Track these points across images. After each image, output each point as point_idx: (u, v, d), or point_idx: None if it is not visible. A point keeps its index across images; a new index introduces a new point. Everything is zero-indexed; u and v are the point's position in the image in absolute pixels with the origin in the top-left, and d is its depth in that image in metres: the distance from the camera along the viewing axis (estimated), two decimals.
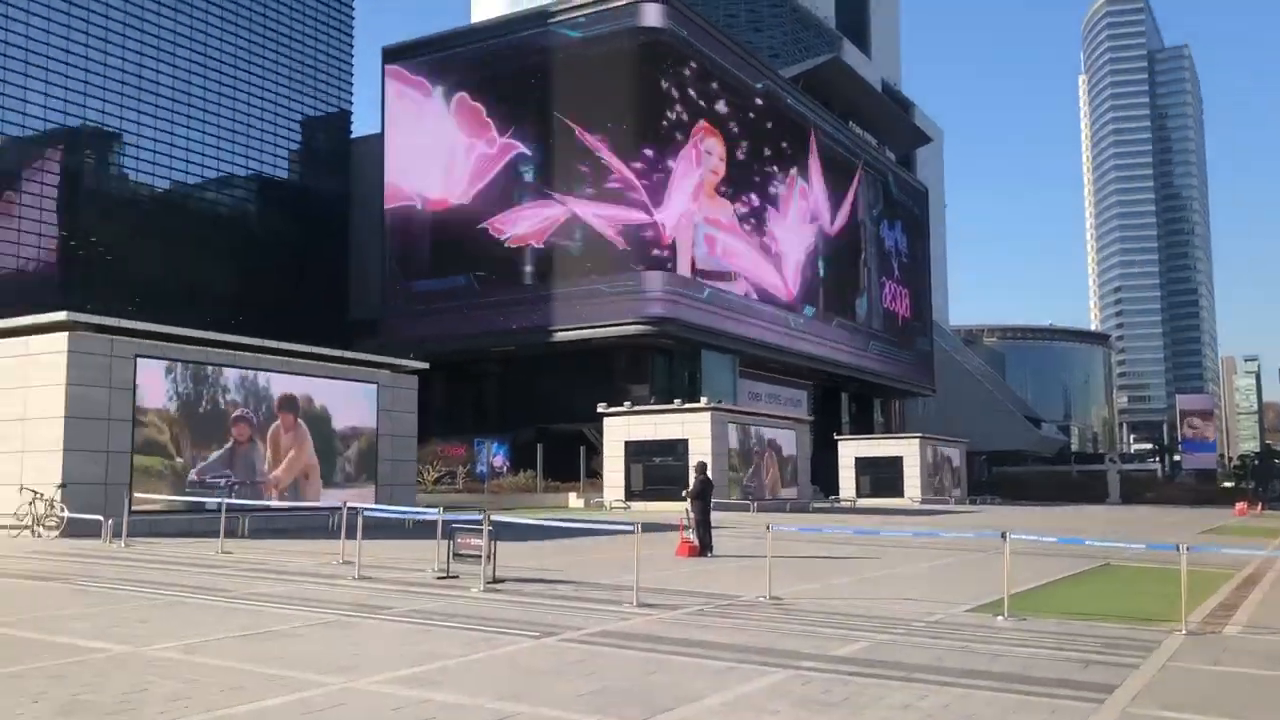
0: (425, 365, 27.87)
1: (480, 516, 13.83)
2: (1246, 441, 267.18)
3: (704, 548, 18.97)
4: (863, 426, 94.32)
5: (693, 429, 41.22)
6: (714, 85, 69.25)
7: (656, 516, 35.63)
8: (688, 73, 66.71)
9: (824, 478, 70.35)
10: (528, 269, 68.22)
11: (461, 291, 68.99)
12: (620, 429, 43.12)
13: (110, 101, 74.98)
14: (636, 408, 43.61)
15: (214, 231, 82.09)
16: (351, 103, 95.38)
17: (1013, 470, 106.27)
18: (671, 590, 13.42)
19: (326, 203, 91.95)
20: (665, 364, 69.62)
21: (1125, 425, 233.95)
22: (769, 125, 75.75)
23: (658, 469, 42.24)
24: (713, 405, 41.99)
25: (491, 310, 67.76)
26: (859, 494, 62.33)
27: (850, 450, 64.81)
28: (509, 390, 73.47)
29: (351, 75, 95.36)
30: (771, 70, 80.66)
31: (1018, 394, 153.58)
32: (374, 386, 25.74)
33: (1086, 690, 7.60)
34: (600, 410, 44.32)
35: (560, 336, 66.29)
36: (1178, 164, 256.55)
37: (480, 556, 13.32)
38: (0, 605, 11.38)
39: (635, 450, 42.56)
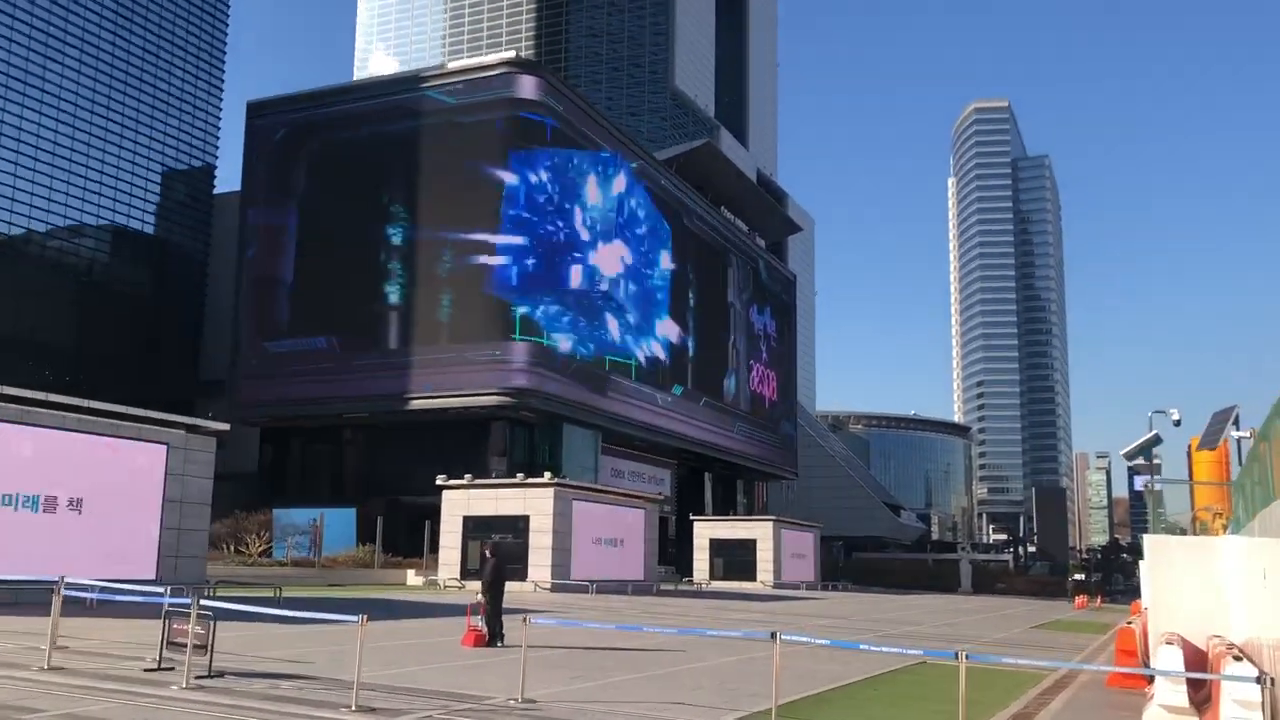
0: (225, 426, 25.75)
1: (190, 599, 12.00)
2: (1097, 535, 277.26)
3: (493, 637, 17.37)
4: (726, 508, 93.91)
5: (535, 505, 39.60)
6: (586, 162, 68.91)
7: (515, 600, 33.84)
8: (559, 147, 66.21)
9: (685, 558, 69.27)
10: (391, 332, 66.12)
11: (319, 354, 66.33)
12: (460, 503, 41.19)
13: None
14: (477, 481, 41.79)
15: (59, 282, 77.74)
16: (216, 157, 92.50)
17: (869, 556, 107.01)
18: (420, 689, 11.87)
19: (184, 258, 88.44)
20: (526, 437, 68.02)
21: (985, 515, 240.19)
22: (641, 205, 75.75)
23: (497, 546, 40.30)
24: (556, 481, 40.49)
25: (350, 374, 65.28)
26: (713, 576, 61.25)
27: (705, 531, 63.84)
28: (363, 459, 70.64)
29: (218, 129, 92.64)
30: (645, 151, 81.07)
31: (880, 481, 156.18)
32: (162, 447, 23.58)
33: None
34: (439, 483, 42.34)
35: (417, 405, 64.16)
36: (1038, 266, 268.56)
37: (200, 645, 11.55)
38: None
39: (474, 526, 40.65)
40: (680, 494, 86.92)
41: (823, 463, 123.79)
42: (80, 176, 79.46)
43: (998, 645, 24.10)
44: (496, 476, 42.72)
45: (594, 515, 42.11)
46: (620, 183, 72.32)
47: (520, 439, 67.72)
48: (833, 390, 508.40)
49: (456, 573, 40.40)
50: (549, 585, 38.51)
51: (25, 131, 75.43)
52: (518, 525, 39.58)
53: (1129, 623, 17.27)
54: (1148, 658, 16.83)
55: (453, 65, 71.76)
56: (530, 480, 40.53)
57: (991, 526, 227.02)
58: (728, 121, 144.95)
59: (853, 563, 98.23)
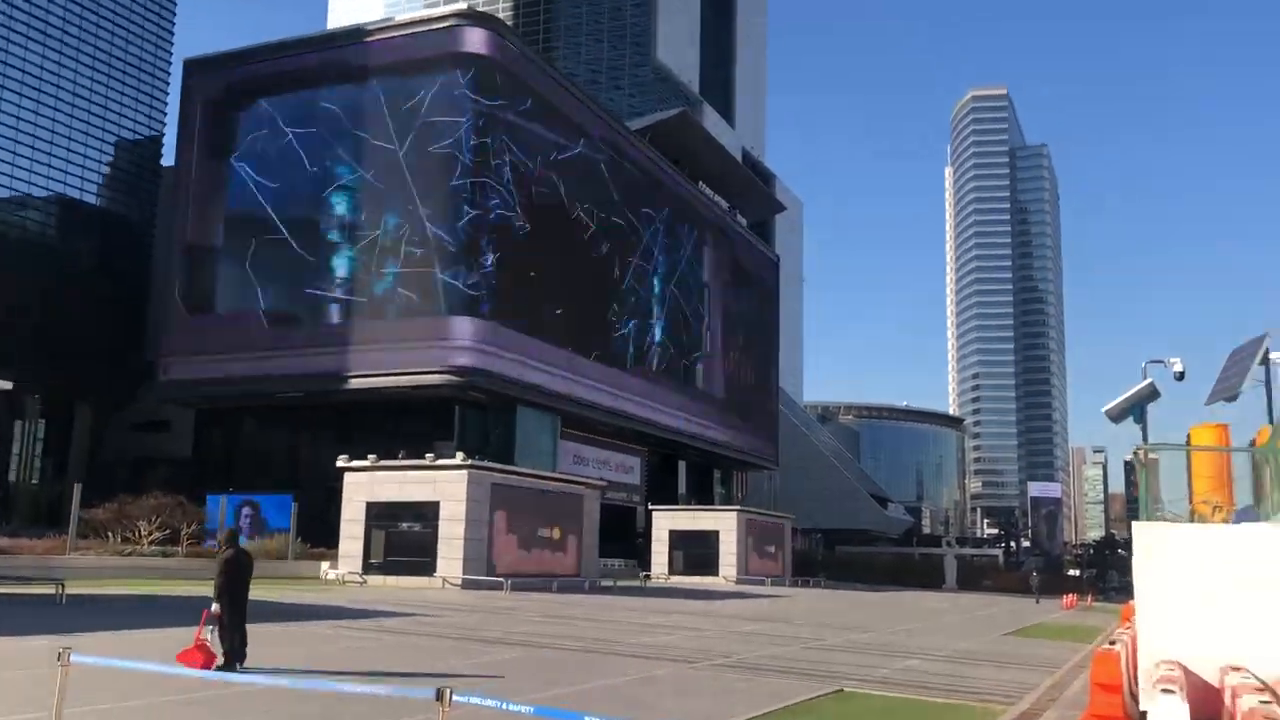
0: (7, 385, 20.95)
1: None
2: (1094, 530, 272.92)
3: (232, 658, 12.55)
4: (702, 498, 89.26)
5: (446, 490, 34.86)
6: (543, 126, 63.96)
7: (392, 596, 29.21)
8: (513, 108, 61.25)
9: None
10: (329, 307, 61.28)
11: (251, 330, 61.52)
12: (362, 487, 36.48)
13: None
14: (382, 463, 36.99)
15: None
16: (164, 126, 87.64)
17: (851, 550, 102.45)
18: None
19: (129, 231, 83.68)
20: (477, 420, 63.33)
21: (979, 510, 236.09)
22: (607, 176, 70.91)
23: (403, 537, 35.66)
24: (470, 463, 35.68)
25: (282, 352, 60.51)
26: (672, 570, 56.58)
27: (665, 522, 59.06)
28: (307, 443, 66.02)
29: (166, 97, 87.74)
30: (612, 117, 76.23)
31: (871, 473, 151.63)
32: None
33: None
34: (340, 464, 37.59)
35: (356, 384, 59.37)
36: (1036, 257, 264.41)
37: None
38: None
39: (378, 513, 35.96)
40: (650, 483, 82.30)
41: (807, 453, 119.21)
42: (13, 143, 74.65)
43: (952, 660, 19.43)
44: (403, 457, 37.84)
45: (518, 502, 37.33)
46: None
47: (472, 421, 63.09)
48: (823, 381, 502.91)
49: (358, 566, 35.68)
50: (459, 581, 33.80)
51: None
52: (426, 513, 34.86)
53: (1111, 642, 12.52)
54: (1135, 691, 12.15)
55: (399, 18, 66.97)
56: (440, 462, 35.72)
57: (987, 521, 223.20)
58: (713, 99, 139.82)
59: (833, 556, 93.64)
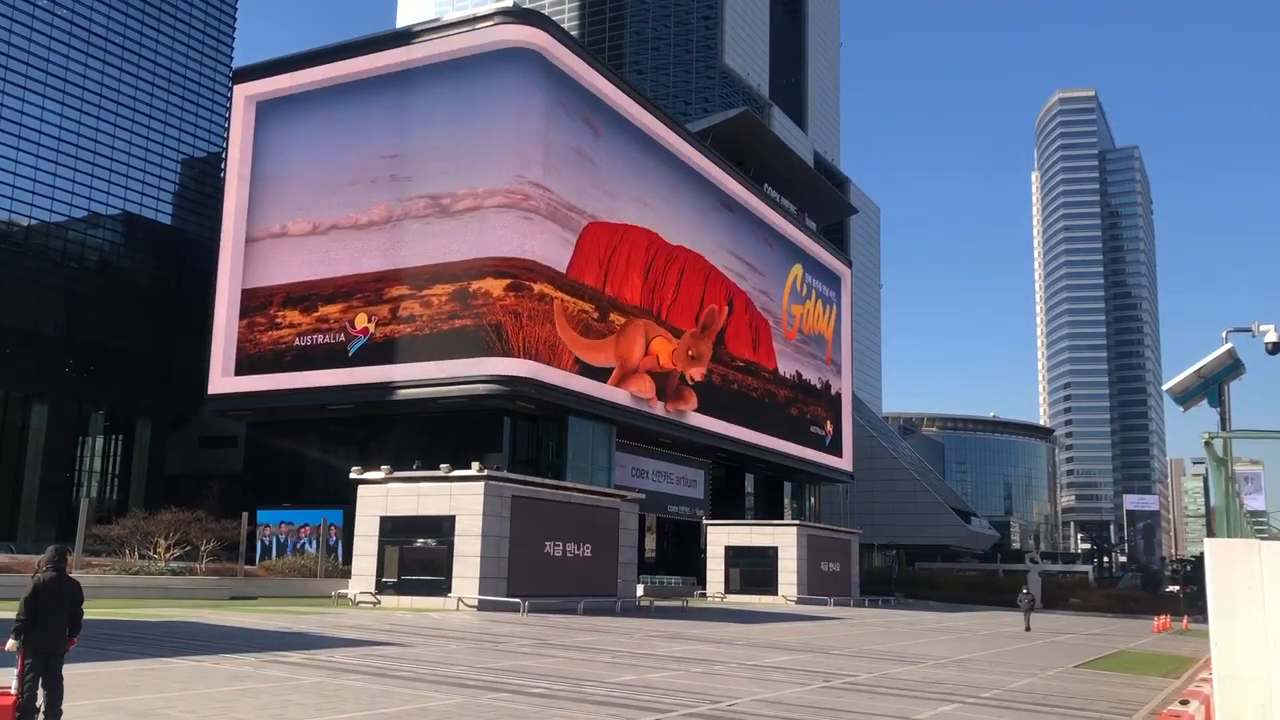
0: None
1: None
2: (1194, 545, 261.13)
3: (25, 713, 9.89)
4: (772, 514, 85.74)
5: (462, 503, 32.29)
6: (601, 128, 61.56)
7: (390, 620, 26.64)
8: (569, 110, 58.93)
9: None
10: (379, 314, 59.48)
11: (305, 341, 60.14)
12: (377, 501, 34.05)
13: None
14: (396, 474, 34.59)
15: (64, 274, 72.72)
16: (225, 141, 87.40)
17: (931, 567, 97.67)
18: None
19: (193, 250, 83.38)
20: (529, 431, 61.07)
21: (1072, 524, 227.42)
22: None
23: (418, 554, 33.16)
24: (488, 473, 33.05)
25: (330, 363, 59.00)
26: (729, 589, 53.28)
27: (721, 537, 55.77)
28: (353, 455, 64.35)
29: (227, 113, 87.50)
30: (672, 119, 73.46)
31: (956, 486, 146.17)
32: None
33: None
34: (353, 476, 35.29)
35: (403, 395, 57.40)
36: (1129, 263, 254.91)
37: None
38: None
39: (392, 528, 33.51)
40: (715, 497, 79.13)
41: (886, 466, 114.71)
42: (89, 164, 74.84)
43: (1001, 704, 16.09)
44: (418, 468, 35.30)
45: (543, 516, 34.63)
46: None
47: (523, 433, 60.84)
48: (904, 392, 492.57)
49: (371, 585, 33.28)
50: (475, 602, 31.20)
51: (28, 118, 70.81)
52: (442, 528, 32.33)
53: (1184, 701, 9.25)
54: None
55: (447, 18, 65.19)
56: (456, 473, 33.14)
57: (1080, 535, 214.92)
58: (785, 104, 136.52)
59: (910, 573, 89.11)
